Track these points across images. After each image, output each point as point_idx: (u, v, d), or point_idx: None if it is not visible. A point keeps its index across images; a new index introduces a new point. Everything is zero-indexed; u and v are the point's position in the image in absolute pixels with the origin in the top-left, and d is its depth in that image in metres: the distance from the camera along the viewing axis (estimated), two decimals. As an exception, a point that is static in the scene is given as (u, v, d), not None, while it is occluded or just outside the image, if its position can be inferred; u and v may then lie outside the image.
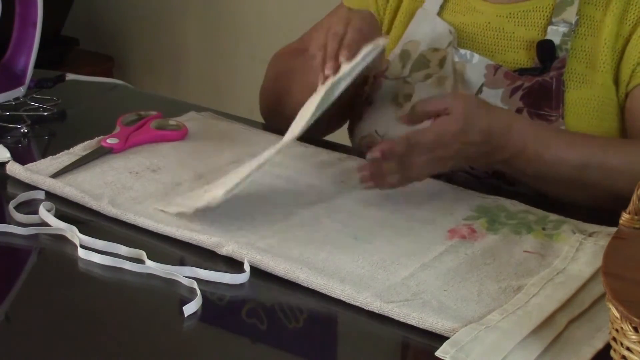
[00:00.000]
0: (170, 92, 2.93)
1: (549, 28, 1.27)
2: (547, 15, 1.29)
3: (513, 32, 1.30)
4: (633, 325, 0.76)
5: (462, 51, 1.30)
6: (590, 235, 1.09)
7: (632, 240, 0.88)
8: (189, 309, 0.94)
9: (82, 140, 1.29)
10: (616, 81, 1.26)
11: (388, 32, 1.41)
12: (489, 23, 1.32)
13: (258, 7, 2.83)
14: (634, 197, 0.90)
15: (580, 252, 1.05)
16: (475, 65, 1.29)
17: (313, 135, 1.28)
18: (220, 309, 0.97)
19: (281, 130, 1.17)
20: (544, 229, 1.11)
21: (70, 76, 1.54)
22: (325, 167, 1.25)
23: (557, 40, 1.26)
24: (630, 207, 0.90)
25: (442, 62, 1.31)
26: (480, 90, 1.28)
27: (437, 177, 1.20)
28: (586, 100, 1.25)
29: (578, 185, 1.17)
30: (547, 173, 1.17)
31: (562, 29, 1.27)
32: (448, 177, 1.24)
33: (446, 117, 1.12)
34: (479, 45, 1.31)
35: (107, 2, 3.15)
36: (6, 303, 0.98)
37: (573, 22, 1.27)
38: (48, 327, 0.92)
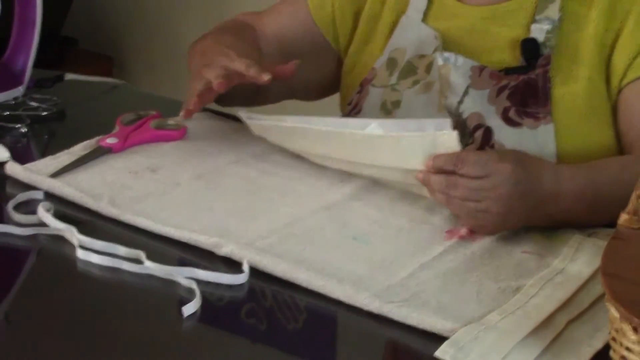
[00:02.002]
0: (170, 92, 2.92)
1: (533, 26, 1.27)
2: (530, 14, 1.29)
3: (498, 33, 1.30)
4: (632, 325, 0.76)
5: (447, 54, 1.30)
6: (590, 235, 1.09)
7: (631, 240, 0.88)
8: (188, 309, 0.94)
9: (82, 140, 1.29)
10: (607, 75, 1.25)
11: (368, 40, 1.40)
12: (473, 26, 1.32)
13: (258, 7, 2.82)
14: (633, 197, 0.90)
15: (579, 252, 1.05)
16: (459, 68, 1.28)
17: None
18: (220, 309, 0.97)
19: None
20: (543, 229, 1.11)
21: (69, 76, 1.54)
22: (325, 167, 1.25)
23: (541, 38, 1.26)
24: (629, 207, 0.90)
25: (428, 68, 1.31)
26: (466, 92, 1.27)
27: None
28: (573, 95, 1.25)
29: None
30: (607, 206, 1.09)
31: (546, 26, 1.27)
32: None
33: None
34: (464, 49, 1.31)
35: (107, 2, 3.15)
36: (5, 303, 0.98)
37: (556, 18, 1.27)
38: (47, 327, 0.92)
